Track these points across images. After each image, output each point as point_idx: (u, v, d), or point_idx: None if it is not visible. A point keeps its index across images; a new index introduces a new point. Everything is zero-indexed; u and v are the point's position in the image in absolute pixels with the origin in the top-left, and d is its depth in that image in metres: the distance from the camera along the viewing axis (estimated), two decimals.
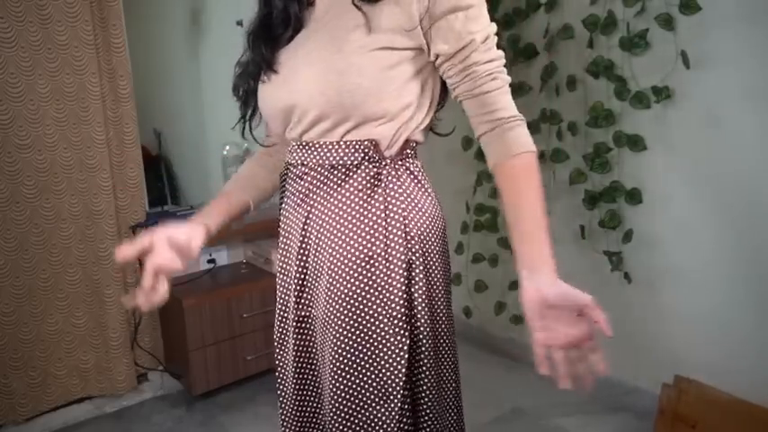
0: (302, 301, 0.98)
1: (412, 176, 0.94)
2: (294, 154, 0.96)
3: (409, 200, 0.93)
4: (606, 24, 1.83)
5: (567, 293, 0.79)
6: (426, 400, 0.94)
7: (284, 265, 1.02)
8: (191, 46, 2.92)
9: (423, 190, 0.95)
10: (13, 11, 1.80)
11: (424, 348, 0.93)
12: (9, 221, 1.90)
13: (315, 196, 0.94)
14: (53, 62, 1.89)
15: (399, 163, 0.93)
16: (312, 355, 1.00)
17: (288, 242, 1.01)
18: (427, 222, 0.94)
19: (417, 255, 0.92)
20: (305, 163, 0.95)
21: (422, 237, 0.93)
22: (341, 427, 0.93)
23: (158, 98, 2.95)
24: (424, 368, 0.94)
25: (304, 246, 0.96)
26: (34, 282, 1.97)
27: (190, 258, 0.99)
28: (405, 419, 0.92)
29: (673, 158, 1.84)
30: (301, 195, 0.96)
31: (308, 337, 1.00)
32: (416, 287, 0.92)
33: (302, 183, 0.96)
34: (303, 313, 0.98)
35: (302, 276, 0.98)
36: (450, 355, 1.01)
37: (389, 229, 0.90)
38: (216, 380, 2.20)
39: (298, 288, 0.98)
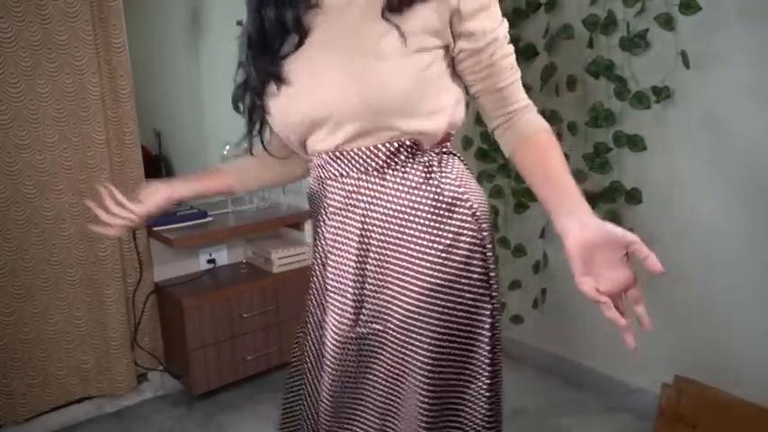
0: (362, 317, 0.93)
1: (458, 160, 0.96)
2: (329, 166, 0.93)
3: (465, 182, 0.94)
4: (606, 24, 1.83)
5: (613, 230, 0.78)
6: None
7: (336, 284, 0.95)
8: (191, 46, 2.92)
9: (470, 172, 0.98)
10: (13, 11, 1.80)
11: (496, 324, 0.96)
12: (9, 221, 1.90)
13: (367, 205, 0.91)
14: (53, 62, 1.89)
15: (444, 151, 0.94)
16: (365, 373, 0.97)
17: (340, 259, 0.94)
18: (484, 201, 0.97)
19: (486, 233, 0.94)
20: (345, 173, 0.91)
21: (485, 215, 0.95)
22: (438, 411, 0.95)
23: (158, 98, 2.96)
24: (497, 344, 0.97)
25: (362, 259, 0.92)
26: (34, 282, 1.97)
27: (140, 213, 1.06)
28: (494, 393, 0.96)
29: (673, 158, 1.84)
30: (350, 207, 0.92)
31: (370, 353, 0.95)
32: (491, 266, 0.95)
33: (346, 194, 0.92)
34: (364, 330, 0.94)
35: (361, 291, 0.93)
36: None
37: (457, 210, 0.91)
38: (216, 380, 2.20)
39: (356, 305, 0.93)
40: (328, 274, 0.96)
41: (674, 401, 1.81)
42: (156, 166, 2.67)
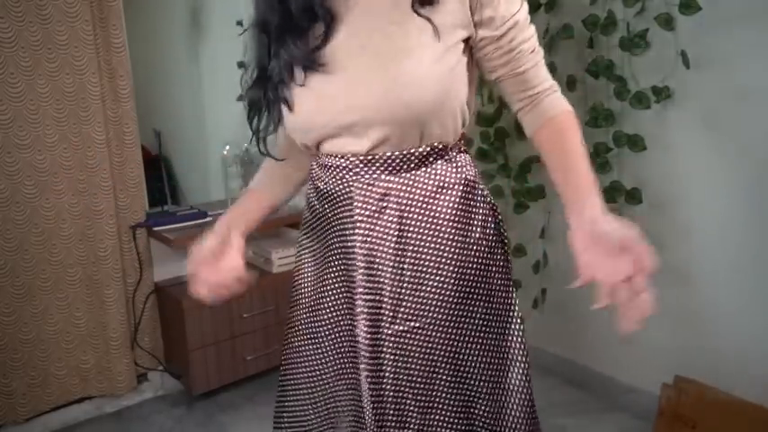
0: (400, 314, 0.92)
1: (468, 156, 0.98)
2: (357, 169, 0.91)
3: (479, 178, 0.98)
4: (606, 24, 1.83)
5: (610, 228, 0.79)
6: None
7: (370, 284, 0.93)
8: (191, 46, 2.92)
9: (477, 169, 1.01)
10: (13, 11, 1.80)
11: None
12: (9, 221, 1.90)
13: (402, 207, 0.91)
14: (53, 62, 1.89)
15: (462, 149, 0.97)
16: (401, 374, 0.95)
17: (376, 258, 0.92)
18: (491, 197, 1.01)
19: (501, 224, 0.98)
20: (377, 176, 0.90)
21: (496, 206, 0.99)
22: (486, 396, 0.98)
23: (158, 98, 2.96)
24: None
25: (400, 257, 0.92)
26: (34, 282, 1.97)
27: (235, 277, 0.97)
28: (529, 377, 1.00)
29: (673, 158, 1.84)
30: (384, 210, 0.91)
31: (408, 350, 0.93)
32: (509, 256, 0.99)
33: (379, 197, 0.91)
34: (401, 328, 0.92)
35: (398, 289, 0.92)
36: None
37: (480, 205, 0.95)
38: (216, 380, 2.20)
39: (394, 302, 0.92)
40: (359, 276, 0.92)
41: (674, 401, 1.81)
42: (156, 166, 2.67)
